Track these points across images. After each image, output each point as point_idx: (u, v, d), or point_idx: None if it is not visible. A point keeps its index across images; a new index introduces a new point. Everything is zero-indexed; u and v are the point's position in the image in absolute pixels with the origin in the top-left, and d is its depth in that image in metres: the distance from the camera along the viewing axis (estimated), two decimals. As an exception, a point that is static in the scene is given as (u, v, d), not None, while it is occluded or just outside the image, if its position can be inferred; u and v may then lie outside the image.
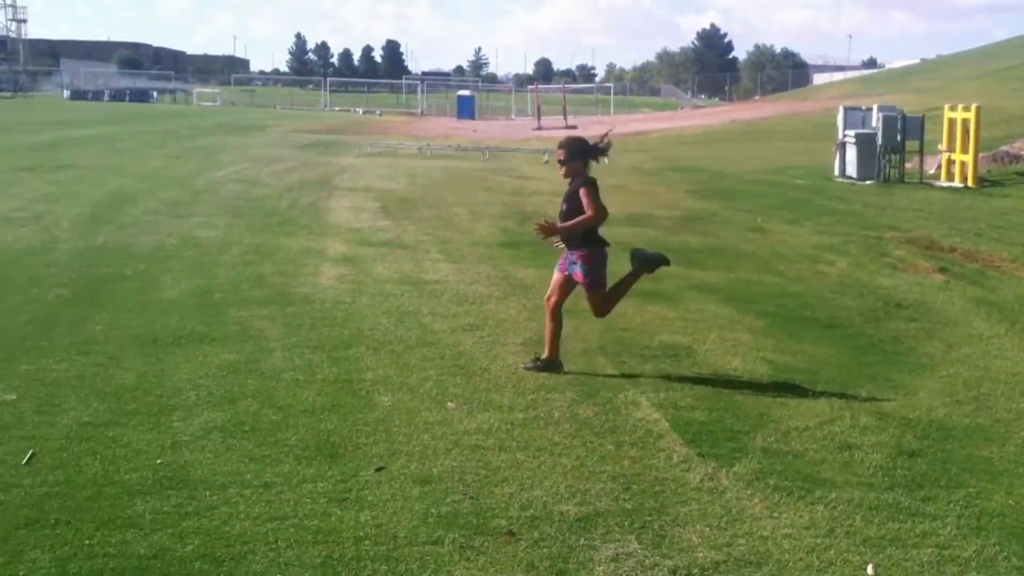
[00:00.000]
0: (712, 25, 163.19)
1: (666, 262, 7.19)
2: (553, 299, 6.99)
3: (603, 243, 6.92)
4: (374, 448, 5.36)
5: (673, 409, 6.20)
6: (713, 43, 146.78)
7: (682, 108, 77.29)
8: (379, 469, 5.06)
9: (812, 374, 7.22)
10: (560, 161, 6.91)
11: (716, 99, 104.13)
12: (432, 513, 4.57)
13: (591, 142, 7.00)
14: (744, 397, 6.58)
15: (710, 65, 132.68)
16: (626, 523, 4.57)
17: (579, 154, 6.88)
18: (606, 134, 7.07)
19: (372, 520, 4.48)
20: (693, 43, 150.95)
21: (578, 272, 6.86)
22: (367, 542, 4.27)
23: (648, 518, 4.63)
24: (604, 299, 7.05)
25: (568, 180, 6.92)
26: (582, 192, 6.69)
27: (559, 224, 6.82)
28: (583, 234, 6.80)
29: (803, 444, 5.74)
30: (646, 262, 7.14)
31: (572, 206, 6.78)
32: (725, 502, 4.86)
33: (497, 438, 5.57)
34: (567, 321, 7.18)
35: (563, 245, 6.97)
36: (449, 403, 6.15)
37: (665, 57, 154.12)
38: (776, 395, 6.66)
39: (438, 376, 6.72)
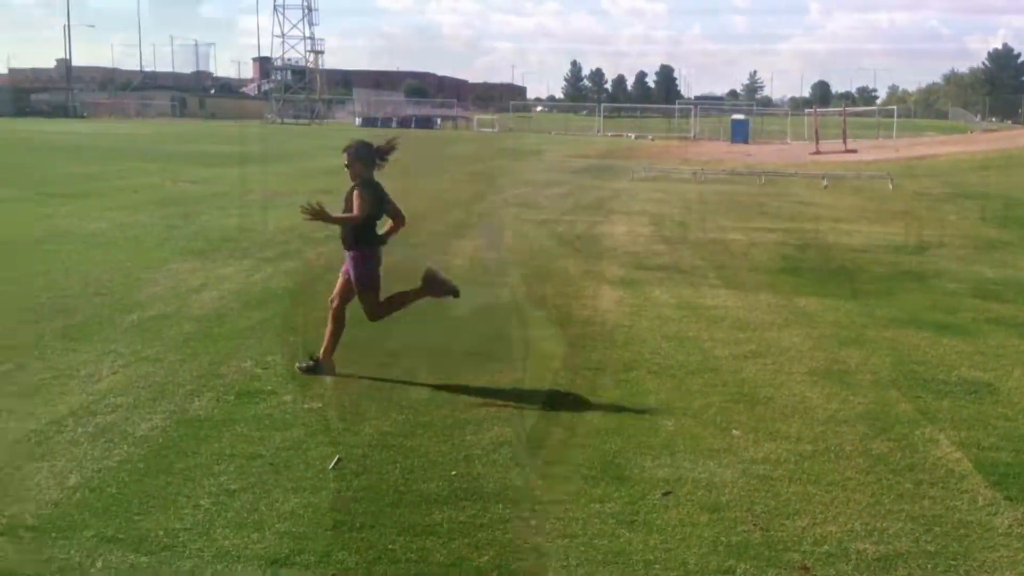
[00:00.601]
0: (1004, 45, 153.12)
1: (455, 294, 7.23)
2: (336, 302, 7.16)
3: (378, 243, 7.03)
4: (659, 472, 5.35)
5: (976, 449, 5.84)
6: (1005, 63, 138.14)
7: (972, 131, 73.07)
8: (666, 494, 5.04)
9: None
10: (345, 165, 7.02)
11: (1008, 122, 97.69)
12: (722, 542, 4.51)
13: (375, 145, 7.07)
14: (1055, 439, 6.10)
15: (1002, 86, 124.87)
16: (928, 566, 4.34)
17: (360, 157, 6.98)
18: (393, 138, 7.14)
19: (661, 544, 4.46)
20: (983, 63, 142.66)
21: (351, 273, 7.00)
22: (656, 566, 4.26)
23: (953, 562, 4.38)
24: (379, 303, 7.08)
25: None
26: (355, 193, 6.85)
27: (326, 211, 6.76)
28: (356, 235, 6.95)
29: None
30: (435, 284, 7.16)
31: (347, 207, 6.93)
32: (1037, 551, 4.53)
33: (786, 469, 5.43)
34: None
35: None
36: (734, 430, 6.05)
37: (952, 78, 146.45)
38: (1092, 439, 6.14)
39: (721, 403, 6.63)
